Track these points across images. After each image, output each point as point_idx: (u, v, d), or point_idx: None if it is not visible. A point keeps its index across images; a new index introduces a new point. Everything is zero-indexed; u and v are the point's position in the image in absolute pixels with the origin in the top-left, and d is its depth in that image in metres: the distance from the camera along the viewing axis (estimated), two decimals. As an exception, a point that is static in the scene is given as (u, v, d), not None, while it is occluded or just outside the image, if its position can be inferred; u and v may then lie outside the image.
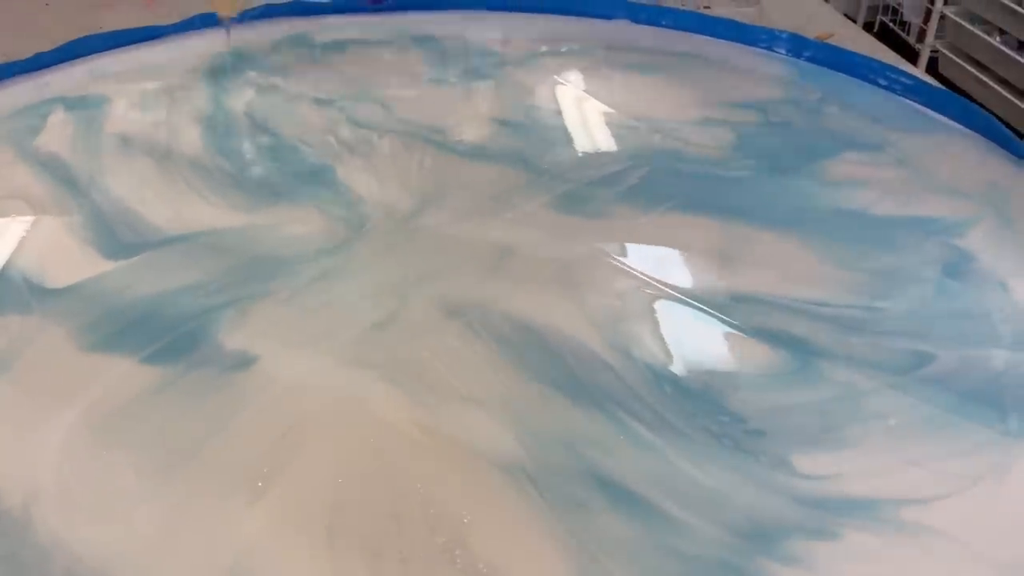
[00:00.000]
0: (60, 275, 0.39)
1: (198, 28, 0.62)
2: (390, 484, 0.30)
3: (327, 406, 0.33)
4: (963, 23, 1.81)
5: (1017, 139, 0.48)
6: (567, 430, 0.32)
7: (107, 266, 0.39)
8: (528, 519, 0.29)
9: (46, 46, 0.88)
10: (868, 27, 1.50)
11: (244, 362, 0.34)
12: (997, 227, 0.43)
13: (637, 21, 0.65)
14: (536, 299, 0.38)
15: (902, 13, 1.97)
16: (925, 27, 1.91)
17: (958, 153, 0.50)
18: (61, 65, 0.57)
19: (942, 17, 1.86)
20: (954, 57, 1.72)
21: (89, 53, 0.58)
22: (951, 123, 0.52)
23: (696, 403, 0.33)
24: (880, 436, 0.32)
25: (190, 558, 0.27)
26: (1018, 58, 1.70)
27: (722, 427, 0.32)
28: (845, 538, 0.28)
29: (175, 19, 0.63)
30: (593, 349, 0.35)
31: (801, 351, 0.36)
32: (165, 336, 0.35)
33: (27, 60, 0.56)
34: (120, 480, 0.30)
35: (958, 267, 0.40)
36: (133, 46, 0.60)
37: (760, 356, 0.36)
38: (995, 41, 1.74)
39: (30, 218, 0.42)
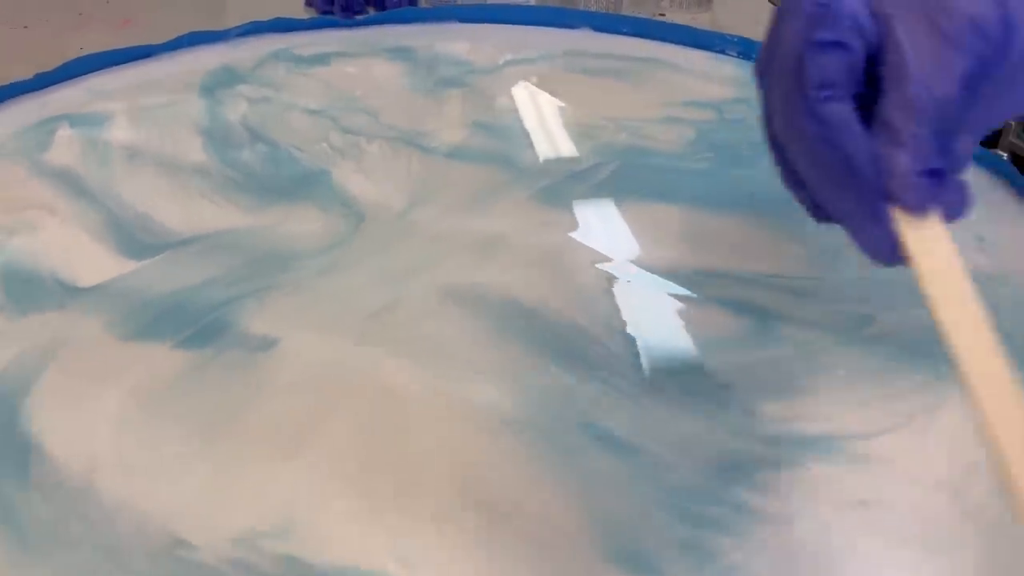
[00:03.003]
0: (88, 275, 0.42)
1: (187, 46, 0.66)
2: (410, 440, 0.34)
3: (346, 379, 0.37)
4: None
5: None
6: (560, 391, 0.36)
7: (130, 266, 0.43)
8: (533, 463, 0.33)
9: (28, 68, 0.91)
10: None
11: (267, 344, 0.38)
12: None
13: (598, 30, 0.70)
14: (524, 281, 0.43)
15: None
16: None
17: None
18: (60, 84, 0.60)
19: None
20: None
21: (86, 72, 0.61)
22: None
23: (671, 364, 0.38)
24: (832, 384, 0.37)
25: (243, 507, 0.31)
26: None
27: (694, 382, 0.37)
28: (804, 468, 0.33)
29: (149, 39, 0.66)
30: (578, 322, 0.40)
31: (760, 316, 0.40)
32: (193, 325, 0.39)
33: (29, 80, 0.59)
34: (171, 447, 0.33)
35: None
36: (128, 64, 0.63)
37: (724, 322, 0.40)
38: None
39: (53, 225, 0.45)
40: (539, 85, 0.61)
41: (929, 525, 0.31)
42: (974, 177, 0.48)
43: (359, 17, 0.71)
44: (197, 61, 0.64)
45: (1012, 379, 0.24)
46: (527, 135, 0.56)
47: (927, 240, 0.26)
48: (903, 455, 0.34)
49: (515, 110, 0.58)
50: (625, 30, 0.70)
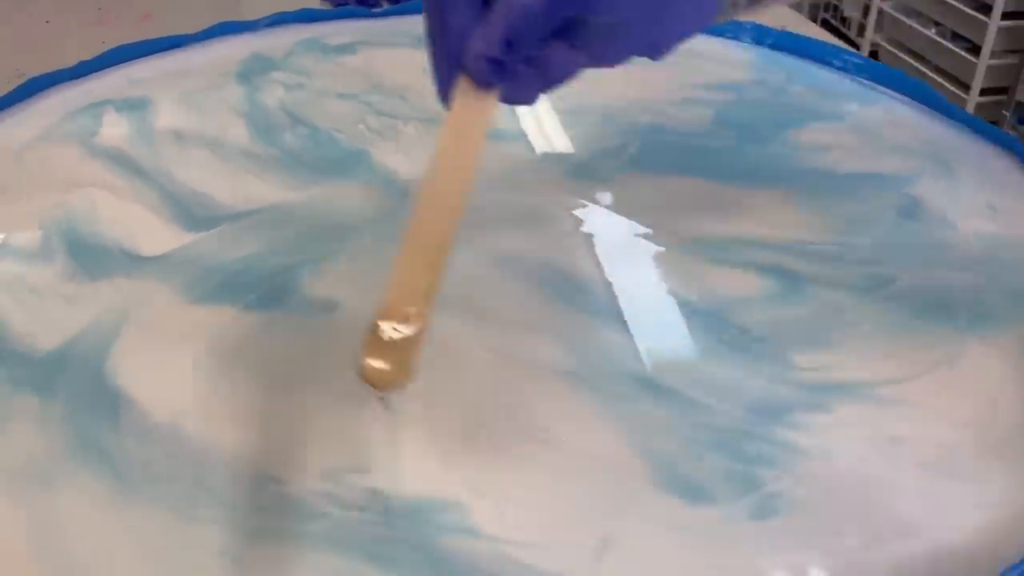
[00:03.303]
0: (152, 246, 0.44)
1: (218, 36, 0.68)
2: (472, 387, 0.36)
3: (407, 336, 0.39)
4: (900, 17, 1.93)
5: (949, 103, 0.57)
6: (605, 345, 0.39)
7: (190, 237, 0.45)
8: (585, 408, 0.36)
9: (53, 60, 0.93)
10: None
11: (330, 306, 0.41)
12: (940, 177, 0.51)
13: (615, 18, 0.73)
14: (563, 248, 0.45)
15: (842, 10, 2.08)
16: (864, 22, 2.02)
17: (902, 118, 0.58)
18: (99, 72, 0.63)
19: (880, 12, 1.97)
20: (893, 49, 1.83)
21: (124, 61, 0.64)
22: (894, 94, 0.60)
23: (708, 320, 0.40)
24: (859, 338, 0.39)
25: (323, 449, 0.33)
26: (952, 47, 1.81)
27: (731, 337, 0.39)
28: (838, 410, 0.36)
29: (168, 31, 0.69)
30: (620, 284, 0.42)
31: (789, 279, 0.43)
32: (256, 290, 0.41)
33: (70, 69, 0.61)
34: (251, 396, 0.36)
35: (911, 209, 0.48)
36: (163, 53, 0.65)
37: (756, 284, 0.43)
38: (931, 33, 1.86)
39: (112, 201, 0.48)
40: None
41: (956, 458, 0.34)
42: (984, 152, 0.51)
43: (377, 9, 0.73)
44: (228, 50, 0.66)
45: (443, 239, 0.32)
46: (553, 115, 0.58)
47: (470, 107, 0.30)
48: (929, 398, 0.36)
49: (541, 94, 0.61)
50: (641, 19, 0.72)
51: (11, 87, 0.83)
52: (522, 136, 0.55)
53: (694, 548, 0.30)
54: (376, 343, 0.30)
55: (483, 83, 0.30)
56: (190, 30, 0.68)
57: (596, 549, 0.30)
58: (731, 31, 0.69)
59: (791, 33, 0.68)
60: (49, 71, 0.61)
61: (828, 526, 0.31)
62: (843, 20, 1.98)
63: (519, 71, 0.30)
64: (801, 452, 0.34)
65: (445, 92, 0.31)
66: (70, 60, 0.66)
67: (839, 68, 0.64)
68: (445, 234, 0.32)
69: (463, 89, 0.30)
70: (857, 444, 0.34)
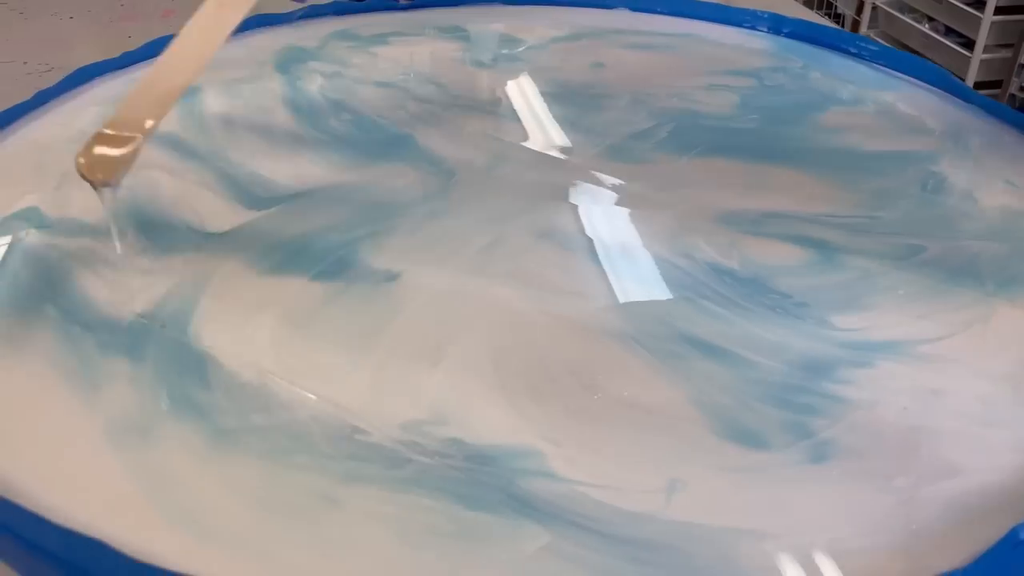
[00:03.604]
0: (216, 223, 0.47)
1: (253, 28, 0.70)
2: (533, 349, 0.39)
3: (467, 302, 0.41)
4: (894, 12, 1.96)
5: (964, 86, 0.59)
6: (657, 309, 0.41)
7: (252, 215, 0.47)
8: (643, 366, 0.38)
9: (80, 55, 0.95)
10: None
11: (391, 277, 0.43)
12: (960, 155, 0.54)
13: (635, 9, 0.75)
14: (606, 223, 0.47)
15: (836, 6, 2.11)
16: (858, 18, 2.05)
17: (919, 101, 0.60)
18: (144, 63, 0.64)
19: (874, 7, 2.00)
20: (887, 44, 1.85)
21: (166, 52, 0.66)
22: (911, 79, 0.63)
23: (750, 287, 0.43)
24: (894, 301, 0.42)
25: (401, 404, 0.36)
26: (946, 42, 1.85)
27: (774, 301, 0.42)
28: (879, 366, 0.38)
29: None
30: (663, 255, 0.45)
31: (823, 248, 0.46)
32: (321, 262, 0.44)
33: (116, 59, 0.63)
34: (327, 357, 0.38)
35: (935, 185, 0.51)
36: (202, 45, 0.67)
37: (792, 254, 0.45)
38: (924, 28, 1.89)
39: (172, 182, 0.50)
40: (590, 58, 0.66)
41: (992, 408, 0.36)
42: (999, 132, 0.53)
43: (404, 2, 0.75)
44: (264, 41, 0.68)
45: (178, 88, 0.41)
46: (585, 101, 0.60)
47: None
48: (965, 355, 0.39)
49: (571, 80, 0.63)
50: (660, 9, 0.75)
51: (41, 80, 0.85)
52: (562, 120, 0.58)
53: (755, 487, 0.33)
54: (99, 141, 0.39)
55: None
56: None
57: (666, 490, 0.32)
58: (748, 21, 0.72)
59: (807, 22, 0.70)
60: (77, 65, 0.62)
61: (879, 468, 0.34)
62: (837, 16, 2.02)
63: None
64: (848, 403, 0.36)
65: None
66: (96, 54, 0.68)
67: (855, 55, 0.66)
68: (181, 86, 0.42)
69: None
70: (900, 396, 0.37)
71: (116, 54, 0.65)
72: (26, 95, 0.60)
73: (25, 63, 0.86)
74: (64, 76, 0.63)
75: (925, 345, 0.39)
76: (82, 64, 0.64)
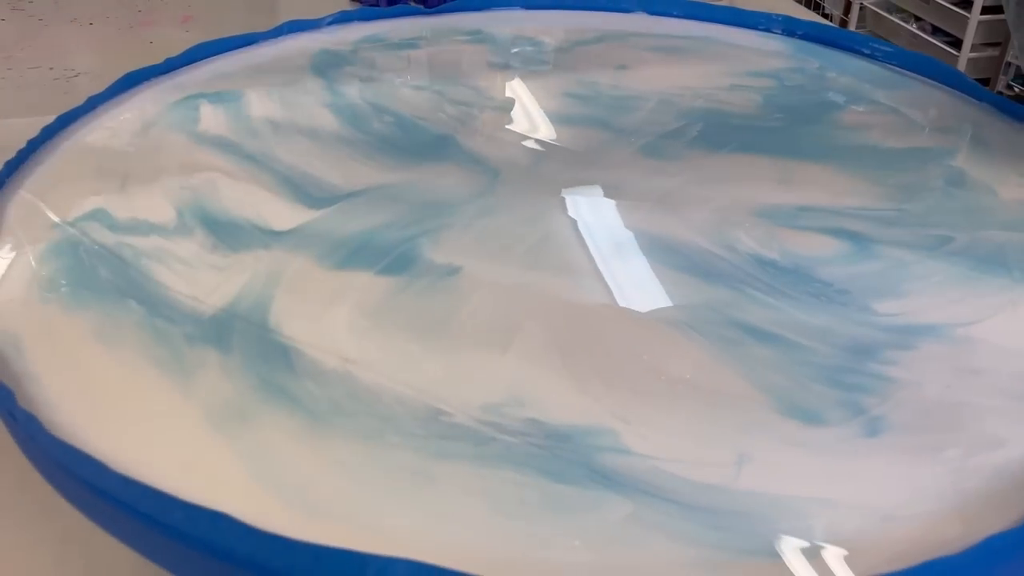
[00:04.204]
0: (279, 221, 0.49)
1: (287, 34, 0.72)
2: (597, 337, 0.41)
3: (528, 294, 0.44)
4: (882, 12, 2.00)
5: (977, 85, 0.62)
6: (707, 300, 0.44)
7: (313, 214, 0.50)
8: (700, 351, 0.40)
9: (104, 61, 0.97)
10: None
11: (452, 271, 0.45)
12: (978, 151, 0.56)
13: (652, 14, 0.78)
14: (649, 218, 0.50)
15: (824, 6, 2.14)
16: (846, 18, 2.09)
17: (935, 100, 0.63)
18: (184, 68, 0.67)
19: (862, 7, 2.04)
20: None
21: (206, 57, 0.68)
22: (925, 79, 0.66)
23: (793, 277, 0.45)
24: (929, 288, 0.45)
25: (477, 388, 0.38)
26: (933, 41, 1.88)
27: (816, 290, 0.44)
28: (921, 348, 0.41)
29: (210, 32, 0.73)
30: (707, 248, 0.47)
31: (858, 240, 0.48)
32: (385, 258, 0.46)
33: (159, 65, 0.65)
34: (404, 347, 0.40)
35: (956, 179, 0.54)
36: (238, 50, 0.69)
37: (829, 245, 0.48)
38: (912, 27, 1.93)
39: (232, 184, 0.52)
40: (614, 60, 0.69)
41: (1030, 384, 0.39)
42: (1013, 129, 0.56)
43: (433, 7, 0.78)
44: (298, 47, 0.71)
45: None
46: (615, 102, 0.63)
47: None
48: (1001, 337, 0.41)
49: (599, 81, 0.66)
50: (676, 12, 0.77)
51: (69, 85, 0.87)
52: (593, 120, 0.60)
53: (818, 459, 0.35)
54: None
55: None
56: (229, 29, 0.73)
57: (735, 463, 0.35)
58: (763, 23, 0.74)
59: (820, 24, 0.73)
60: (103, 70, 0.64)
61: (929, 442, 0.36)
62: (825, 16, 2.05)
63: None
64: (895, 383, 0.39)
65: None
66: (120, 59, 0.70)
67: (868, 56, 0.69)
68: None
69: None
70: (943, 375, 0.39)
71: (139, 59, 0.67)
72: (55, 99, 0.62)
73: (51, 68, 0.88)
74: (93, 81, 0.65)
75: (962, 328, 0.42)
76: (108, 69, 0.66)
